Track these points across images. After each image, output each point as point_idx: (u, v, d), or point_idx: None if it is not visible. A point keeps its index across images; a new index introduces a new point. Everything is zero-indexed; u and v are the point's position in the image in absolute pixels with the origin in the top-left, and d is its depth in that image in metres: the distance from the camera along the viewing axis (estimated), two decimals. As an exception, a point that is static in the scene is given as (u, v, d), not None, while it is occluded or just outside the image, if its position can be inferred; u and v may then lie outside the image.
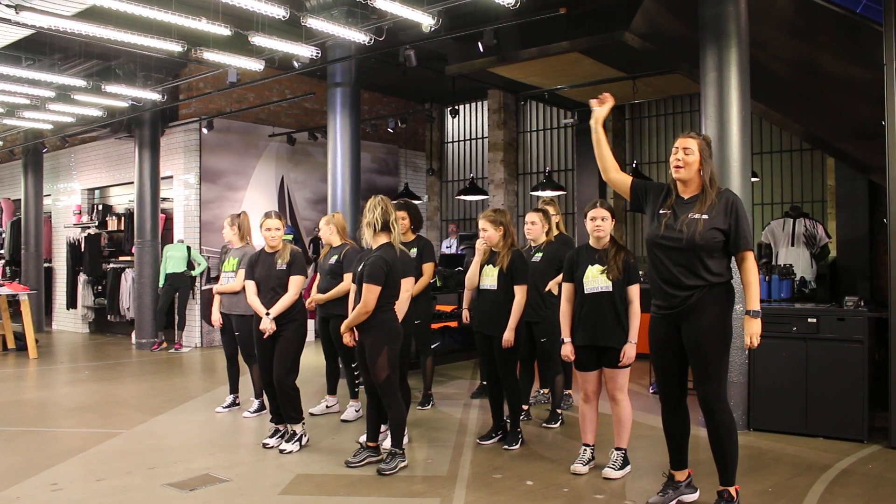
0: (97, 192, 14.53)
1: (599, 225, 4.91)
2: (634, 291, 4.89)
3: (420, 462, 5.28)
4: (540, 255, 6.24)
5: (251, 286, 5.81)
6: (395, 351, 5.07)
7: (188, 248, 11.56)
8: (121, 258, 13.22)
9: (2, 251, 15.83)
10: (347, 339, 5.16)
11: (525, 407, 6.42)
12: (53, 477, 4.96)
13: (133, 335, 12.16)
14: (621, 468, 4.90)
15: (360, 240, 5.43)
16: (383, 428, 5.31)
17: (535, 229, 6.29)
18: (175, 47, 7.70)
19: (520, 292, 5.48)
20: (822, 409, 5.79)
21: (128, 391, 8.29)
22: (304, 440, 5.65)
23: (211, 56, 8.05)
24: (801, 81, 7.95)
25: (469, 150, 15.60)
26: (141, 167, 11.87)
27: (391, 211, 5.17)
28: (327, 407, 6.92)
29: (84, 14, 7.47)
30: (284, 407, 5.65)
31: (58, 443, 6.05)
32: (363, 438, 5.33)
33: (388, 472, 4.94)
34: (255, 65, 8.47)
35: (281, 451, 5.52)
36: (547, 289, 6.12)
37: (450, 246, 13.83)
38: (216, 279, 7.46)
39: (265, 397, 6.60)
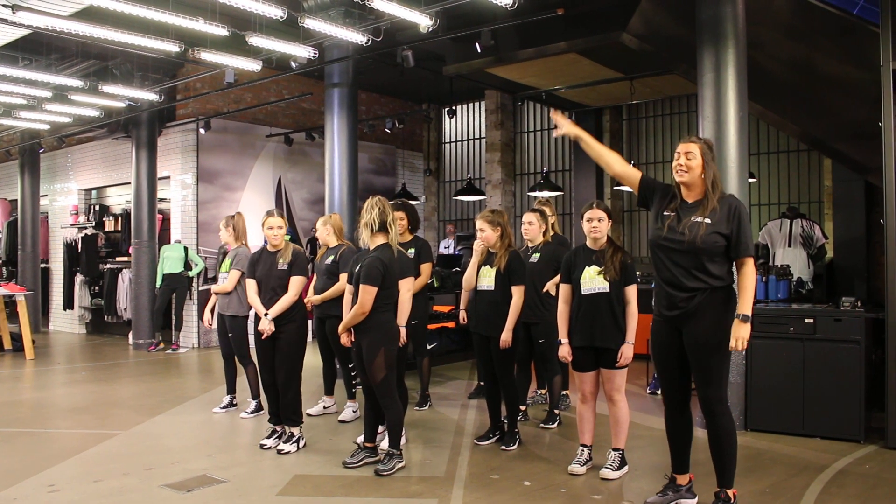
0: (94, 192, 14.51)
1: (596, 226, 4.92)
2: (632, 292, 4.89)
3: (418, 463, 5.28)
4: (537, 255, 6.25)
5: (252, 285, 5.80)
6: (392, 352, 5.07)
7: (185, 249, 11.56)
8: (118, 259, 13.20)
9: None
10: (344, 340, 5.16)
11: (523, 407, 6.43)
12: (50, 478, 4.95)
13: (130, 336, 12.15)
14: (619, 469, 4.90)
15: (358, 240, 5.43)
16: (381, 429, 5.31)
17: (533, 230, 6.29)
18: (172, 47, 7.69)
19: (517, 293, 5.49)
20: (818, 410, 5.80)
21: (125, 392, 8.28)
22: (302, 442, 5.65)
23: (208, 56, 8.04)
24: (798, 82, 7.96)
25: (466, 151, 15.60)
26: (138, 167, 11.86)
27: (389, 211, 5.17)
28: (325, 408, 6.91)
29: (81, 14, 7.47)
30: (286, 409, 5.65)
31: (55, 444, 6.04)
32: (361, 439, 5.33)
33: (385, 473, 4.94)
34: (253, 65, 8.47)
35: (279, 452, 5.52)
36: (545, 289, 6.13)
37: (447, 246, 13.84)
38: (214, 279, 7.46)
39: (262, 398, 6.61)
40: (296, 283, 5.68)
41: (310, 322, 9.65)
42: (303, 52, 8.08)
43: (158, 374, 9.42)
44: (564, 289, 5.04)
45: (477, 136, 15.35)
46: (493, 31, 7.85)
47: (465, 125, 15.59)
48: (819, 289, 8.76)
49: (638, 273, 5.68)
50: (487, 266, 5.61)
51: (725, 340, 4.01)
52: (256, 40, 7.57)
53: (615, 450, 4.97)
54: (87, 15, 7.50)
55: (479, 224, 5.60)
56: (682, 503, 4.31)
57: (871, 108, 6.06)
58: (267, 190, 12.79)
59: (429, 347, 8.00)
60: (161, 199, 12.34)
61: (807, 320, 5.89)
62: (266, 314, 5.60)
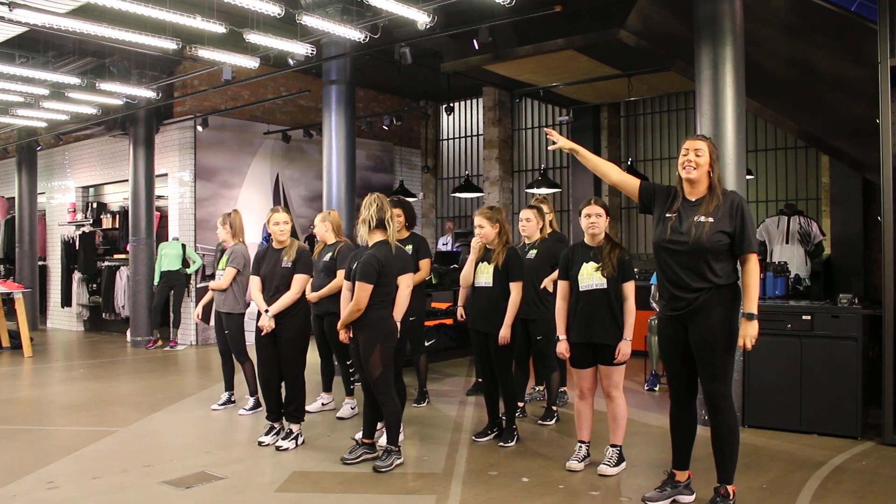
0: (92, 189, 14.49)
1: (594, 222, 4.93)
2: (629, 289, 4.90)
3: (416, 459, 5.29)
4: (534, 251, 6.26)
5: (255, 282, 5.80)
6: (389, 348, 5.07)
7: (183, 246, 11.55)
8: (115, 256, 13.19)
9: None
10: (342, 337, 5.17)
11: (521, 404, 6.44)
12: (49, 475, 4.95)
13: (128, 333, 12.15)
14: (616, 465, 4.91)
15: (357, 237, 5.44)
16: (379, 425, 5.32)
17: (531, 226, 6.30)
18: (170, 45, 7.68)
19: (515, 289, 5.50)
20: (816, 406, 5.82)
21: (123, 389, 8.28)
22: (301, 438, 5.66)
23: (206, 53, 8.03)
24: (795, 79, 7.97)
25: (464, 148, 15.59)
26: (135, 165, 11.84)
27: (387, 208, 5.17)
28: (323, 404, 6.92)
29: (78, 11, 7.45)
30: (290, 405, 5.66)
31: (53, 441, 6.04)
32: (359, 435, 5.34)
33: (384, 469, 4.95)
34: (250, 62, 8.46)
35: (277, 449, 5.53)
36: (542, 285, 6.14)
37: (446, 243, 13.84)
38: (211, 277, 7.47)
39: (260, 394, 6.62)
40: (299, 280, 5.68)
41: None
42: (300, 49, 8.08)
43: (156, 372, 9.42)
44: (562, 285, 5.05)
45: (475, 132, 15.34)
46: (491, 28, 7.84)
47: (463, 122, 15.58)
48: (816, 286, 8.77)
49: (636, 270, 5.69)
50: (485, 263, 5.62)
51: (731, 337, 4.03)
52: (254, 37, 7.55)
53: (613, 446, 4.98)
54: (85, 12, 7.49)
55: (478, 220, 5.61)
56: (679, 500, 4.33)
57: (869, 105, 6.07)
58: (265, 187, 12.78)
59: (427, 344, 8.02)
60: (159, 197, 12.33)
61: (804, 317, 5.91)
62: (267, 311, 5.60)
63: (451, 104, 13.08)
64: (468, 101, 15.30)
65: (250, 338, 6.26)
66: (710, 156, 4.13)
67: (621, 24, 8.15)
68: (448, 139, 15.83)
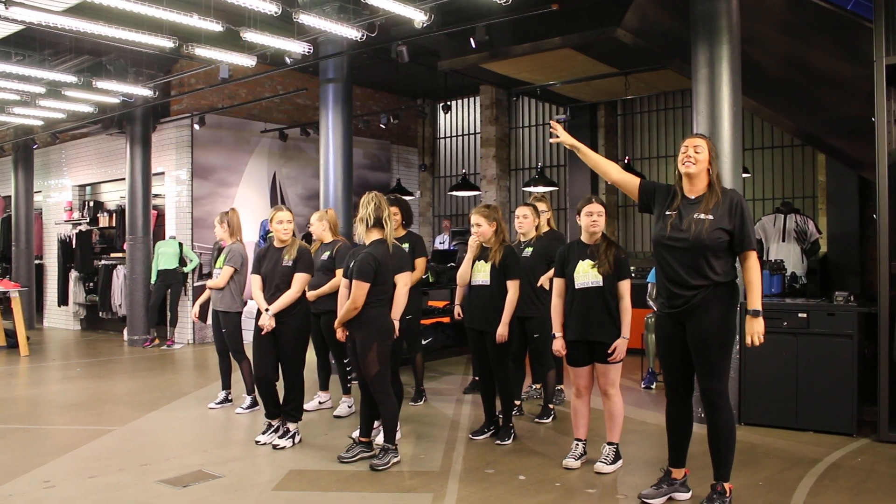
0: (88, 188, 14.47)
1: (596, 220, 4.94)
2: (625, 287, 4.91)
3: (413, 457, 5.30)
4: (530, 249, 6.26)
5: (256, 280, 5.80)
6: (386, 347, 5.08)
7: (180, 245, 11.54)
8: (112, 255, 13.17)
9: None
10: (339, 335, 5.18)
11: (517, 402, 6.44)
12: (46, 474, 4.95)
13: (125, 332, 12.13)
14: (613, 463, 4.92)
15: (354, 235, 5.44)
16: (376, 424, 5.32)
17: (528, 223, 6.32)
18: (166, 43, 7.67)
19: (512, 287, 5.50)
20: (812, 404, 5.83)
21: (120, 388, 8.28)
22: (298, 437, 5.66)
23: (202, 52, 8.02)
24: (792, 78, 7.98)
25: (461, 146, 15.60)
26: (132, 163, 11.83)
27: (384, 207, 5.17)
28: (320, 403, 6.93)
29: (74, 9, 7.44)
30: (288, 403, 5.67)
31: (50, 440, 6.04)
32: (356, 434, 5.34)
33: (380, 468, 4.95)
34: (247, 61, 8.45)
35: (274, 447, 5.53)
36: (539, 283, 6.14)
37: (443, 242, 13.85)
38: (208, 275, 7.46)
39: (257, 393, 6.62)
40: (299, 279, 5.69)
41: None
42: (297, 47, 8.07)
43: (153, 371, 9.42)
44: (558, 283, 5.06)
45: (472, 131, 15.35)
46: (488, 27, 7.84)
47: (460, 120, 15.58)
48: (813, 283, 8.77)
49: (633, 268, 5.70)
50: (482, 261, 5.63)
51: (728, 334, 4.04)
52: (251, 36, 7.55)
53: (610, 444, 4.98)
54: (81, 10, 7.48)
55: (475, 219, 5.61)
56: (676, 497, 4.34)
57: (865, 104, 6.08)
58: (262, 186, 12.78)
59: (424, 343, 8.03)
60: (155, 195, 12.32)
61: (800, 315, 5.92)
62: (267, 309, 5.61)
63: (449, 102, 13.07)
64: (465, 100, 15.30)
65: (248, 336, 6.26)
66: (709, 154, 4.15)
67: (618, 22, 8.15)
68: (445, 137, 15.83)
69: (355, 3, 7.95)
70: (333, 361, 6.97)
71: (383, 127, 13.07)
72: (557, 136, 4.42)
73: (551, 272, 5.56)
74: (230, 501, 4.44)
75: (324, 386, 6.99)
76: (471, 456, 5.32)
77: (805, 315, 5.90)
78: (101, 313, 13.15)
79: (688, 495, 4.35)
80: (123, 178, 12.18)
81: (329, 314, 6.14)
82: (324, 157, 9.28)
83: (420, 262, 6.66)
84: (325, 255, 6.56)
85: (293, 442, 5.60)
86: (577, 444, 5.09)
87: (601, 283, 4.87)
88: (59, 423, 6.64)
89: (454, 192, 13.98)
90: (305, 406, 6.71)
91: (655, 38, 8.53)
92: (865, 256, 9.62)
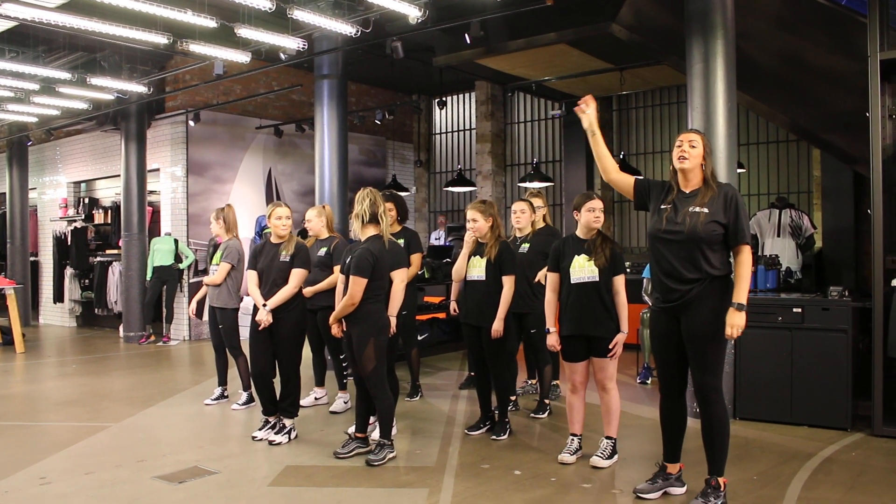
0: (83, 185, 14.44)
1: (598, 217, 4.96)
2: (620, 282, 4.93)
3: (408, 452, 5.31)
4: (527, 245, 6.27)
5: (253, 276, 5.80)
6: (382, 342, 5.09)
7: (175, 241, 11.53)
8: (108, 251, 13.15)
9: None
10: (335, 331, 5.18)
11: (513, 397, 6.46)
12: (42, 471, 4.95)
13: (121, 329, 12.12)
14: (609, 458, 4.94)
15: (350, 232, 5.44)
16: (372, 419, 5.33)
17: (524, 218, 6.33)
18: (161, 39, 7.65)
19: (508, 283, 5.51)
20: (806, 398, 5.85)
21: (116, 385, 8.27)
22: (294, 433, 5.67)
23: (197, 48, 8.00)
24: (787, 73, 7.99)
25: (457, 142, 15.59)
26: (127, 160, 11.80)
27: (380, 203, 5.18)
28: (316, 399, 6.93)
29: (68, 6, 7.41)
30: (285, 399, 5.67)
31: (46, 437, 6.04)
32: (352, 429, 5.36)
33: (376, 463, 4.96)
34: (242, 57, 8.43)
35: (270, 443, 5.54)
36: (536, 279, 6.15)
37: (438, 237, 13.84)
38: (204, 272, 7.46)
39: (253, 389, 6.62)
40: (297, 275, 5.70)
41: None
42: (292, 43, 8.06)
43: (149, 367, 9.41)
44: (553, 277, 5.06)
45: (467, 126, 15.34)
46: (483, 22, 7.83)
47: (456, 116, 15.57)
48: (808, 278, 8.81)
49: (628, 263, 5.71)
50: (478, 256, 5.63)
51: (723, 329, 4.05)
52: (245, 32, 7.53)
53: (608, 438, 5.00)
54: (74, 7, 7.45)
55: (471, 214, 5.62)
56: (670, 491, 4.35)
57: (859, 99, 6.09)
58: (257, 182, 12.76)
59: (420, 338, 8.03)
60: (151, 192, 12.30)
61: (795, 310, 5.93)
62: (264, 305, 5.61)
63: (444, 98, 13.08)
64: (460, 96, 15.29)
65: (244, 333, 6.27)
66: (704, 148, 4.16)
67: (613, 17, 8.16)
68: (441, 133, 15.82)
69: (350, -2, 7.94)
70: (329, 357, 6.98)
71: (378, 123, 13.06)
72: (585, 111, 4.31)
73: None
74: (226, 497, 4.45)
75: (319, 382, 7.00)
76: (466, 451, 5.33)
77: (799, 310, 5.92)
78: (96, 310, 13.13)
79: (683, 490, 4.37)
80: (118, 175, 12.15)
81: (325, 310, 6.14)
82: (319, 153, 9.28)
83: (416, 258, 6.66)
84: (322, 252, 6.56)
85: (289, 438, 5.61)
86: (573, 440, 5.10)
87: (597, 278, 4.87)
88: (55, 420, 6.64)
89: (450, 188, 13.98)
90: (301, 402, 6.71)
91: (650, 34, 8.53)
92: (860, 251, 9.63)
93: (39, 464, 5.12)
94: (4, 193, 14.89)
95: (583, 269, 4.90)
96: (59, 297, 14.05)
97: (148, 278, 11.46)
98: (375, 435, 5.19)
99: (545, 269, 5.95)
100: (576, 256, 4.94)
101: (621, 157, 12.10)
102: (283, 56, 8.62)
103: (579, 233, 5.03)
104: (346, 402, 6.68)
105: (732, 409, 6.09)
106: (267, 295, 5.66)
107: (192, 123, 11.64)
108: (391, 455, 5.08)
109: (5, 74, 9.73)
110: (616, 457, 4.99)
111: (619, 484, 4.60)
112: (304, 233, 7.31)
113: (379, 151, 14.88)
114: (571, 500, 4.38)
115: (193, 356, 10.42)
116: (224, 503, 4.37)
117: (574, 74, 10.63)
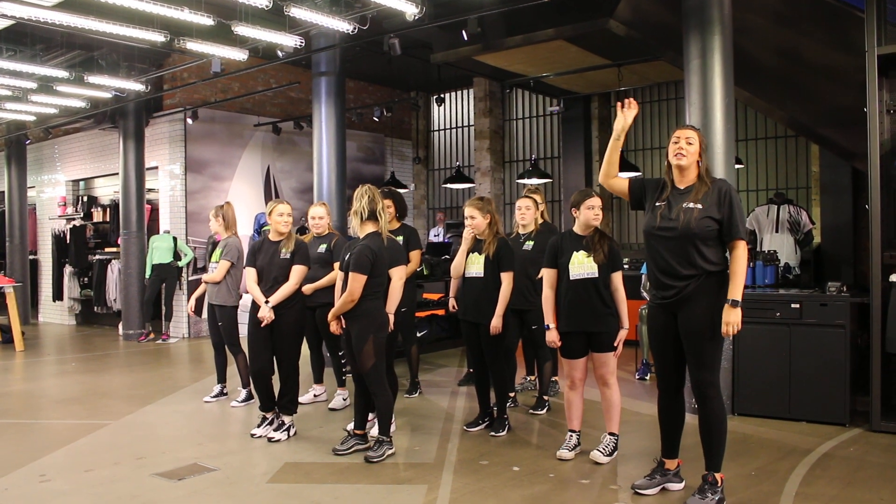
0: (82, 183, 14.43)
1: (598, 214, 4.96)
2: (618, 278, 4.94)
3: (407, 449, 5.31)
4: (531, 243, 6.26)
5: (252, 273, 5.81)
6: (382, 339, 5.10)
7: (174, 239, 11.53)
8: (107, 249, 13.15)
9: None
10: (334, 328, 5.18)
11: (512, 394, 6.46)
12: (41, 468, 4.96)
13: (120, 326, 12.13)
14: (610, 454, 4.94)
15: (348, 228, 5.45)
16: (371, 416, 5.34)
17: (529, 215, 6.33)
18: (158, 37, 7.65)
19: (506, 279, 5.51)
20: (804, 394, 5.85)
21: (115, 382, 8.28)
22: (293, 430, 5.68)
23: (194, 46, 7.99)
24: (784, 68, 7.99)
25: (455, 139, 15.59)
26: (126, 158, 11.80)
27: (378, 200, 5.18)
28: (315, 396, 6.94)
29: (65, 4, 7.39)
30: (284, 396, 5.68)
31: (45, 434, 6.05)
32: (351, 426, 5.36)
33: (375, 460, 4.97)
34: (239, 54, 8.43)
35: (269, 440, 5.55)
36: (539, 276, 6.15)
37: (437, 234, 13.84)
38: (203, 269, 7.46)
39: (252, 386, 6.63)
40: (297, 271, 5.71)
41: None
42: (289, 40, 8.05)
43: (148, 365, 9.42)
44: (550, 274, 5.06)
45: (465, 123, 15.34)
46: (480, 19, 7.83)
47: (454, 113, 15.57)
48: (806, 274, 8.82)
49: (626, 260, 5.71)
50: (476, 253, 5.64)
51: (720, 325, 4.06)
52: (242, 29, 7.53)
53: (611, 434, 5.00)
54: (72, 5, 7.44)
55: (469, 211, 5.62)
56: (669, 487, 4.36)
57: (857, 94, 6.09)
58: (256, 179, 12.76)
59: (419, 335, 8.04)
60: (149, 190, 12.29)
61: (793, 305, 5.94)
62: (266, 302, 5.61)
63: (442, 95, 13.06)
64: (459, 92, 15.28)
65: (243, 330, 6.27)
66: (700, 145, 4.16)
67: (611, 13, 8.15)
68: (439, 130, 15.82)
69: (347, -5, 7.93)
70: (328, 354, 6.98)
71: (377, 120, 13.06)
72: (625, 112, 4.22)
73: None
74: (225, 494, 4.46)
75: (318, 379, 7.01)
76: (465, 447, 5.34)
77: (798, 306, 5.92)
78: (95, 308, 13.13)
79: (681, 485, 4.38)
80: (117, 173, 12.16)
81: (324, 307, 6.13)
82: (317, 151, 9.28)
83: (415, 255, 6.66)
84: (322, 248, 6.56)
85: (288, 435, 5.62)
86: (571, 436, 5.11)
87: (596, 274, 4.88)
88: (55, 418, 6.64)
89: (448, 185, 13.98)
90: (300, 399, 6.72)
91: (648, 30, 8.52)
92: (859, 247, 9.63)
93: (39, 461, 5.12)
94: (3, 192, 14.88)
95: (582, 265, 4.91)
96: (58, 295, 14.05)
97: (147, 276, 11.47)
98: (374, 431, 5.20)
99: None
100: (574, 253, 4.94)
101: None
102: (280, 53, 8.61)
103: (577, 229, 5.04)
104: (344, 399, 6.68)
105: (731, 404, 6.09)
106: (268, 292, 5.67)
107: (190, 121, 11.64)
108: (390, 451, 5.09)
109: (3, 73, 9.71)
110: (615, 453, 5.00)
111: (618, 480, 4.60)
112: (303, 229, 7.32)
113: (377, 148, 14.87)
114: (570, 496, 4.38)
115: (192, 354, 10.43)
116: (223, 500, 4.38)
117: (572, 71, 10.64)
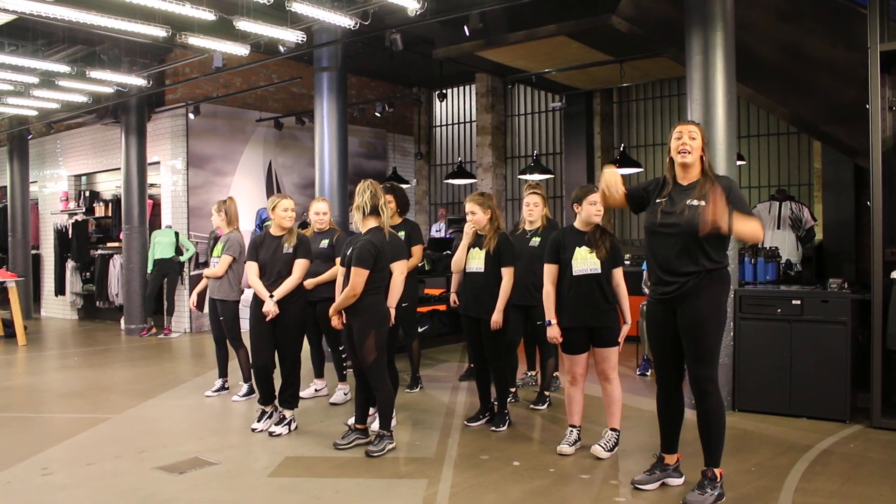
0: (84, 178, 14.44)
1: (600, 210, 4.95)
2: (619, 274, 4.95)
3: (408, 444, 5.32)
4: (538, 239, 6.25)
5: (253, 268, 5.82)
6: (383, 334, 5.10)
7: (176, 234, 11.54)
8: (109, 244, 13.17)
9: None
10: (335, 322, 5.19)
11: (513, 389, 6.47)
12: (43, 462, 4.98)
13: (122, 321, 12.15)
14: (611, 450, 4.95)
15: (350, 224, 5.46)
16: (371, 410, 5.35)
17: (538, 211, 6.34)
18: (160, 32, 7.65)
19: (507, 274, 5.51)
20: (805, 390, 5.86)
21: (117, 377, 8.29)
22: (294, 424, 5.69)
23: (196, 41, 7.99)
24: (787, 64, 7.97)
25: (457, 134, 15.58)
26: (128, 153, 11.81)
27: (380, 195, 5.19)
28: (316, 390, 6.95)
29: (67, -1, 7.41)
30: (286, 391, 5.69)
31: (47, 428, 6.06)
32: (351, 421, 5.37)
33: (376, 454, 4.98)
34: (241, 50, 8.43)
35: (270, 434, 5.56)
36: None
37: (439, 230, 13.84)
38: (205, 264, 7.47)
39: (253, 381, 6.64)
40: (300, 265, 5.73)
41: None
42: (291, 36, 8.05)
43: (150, 359, 9.43)
44: (551, 269, 5.06)
45: (468, 119, 15.33)
46: (482, 14, 7.82)
47: (456, 108, 15.56)
48: (808, 271, 8.82)
49: (628, 256, 5.70)
50: (477, 248, 5.64)
51: (719, 321, 4.06)
52: (244, 25, 7.53)
53: (613, 430, 5.01)
54: (74, 0, 7.44)
55: (470, 207, 5.63)
56: (668, 482, 4.37)
57: (860, 91, 6.08)
58: (257, 175, 12.76)
59: (420, 330, 8.04)
60: (151, 185, 12.31)
61: (794, 302, 5.94)
62: (271, 296, 5.62)
63: (444, 91, 13.05)
64: (461, 88, 15.27)
65: (245, 325, 6.28)
66: (703, 140, 4.15)
67: (613, 9, 8.14)
68: (441, 126, 15.81)
69: (349, -10, 7.93)
70: (329, 349, 6.99)
71: (378, 115, 13.05)
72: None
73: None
74: (226, 488, 4.47)
75: (319, 373, 7.02)
76: (466, 442, 5.35)
77: (799, 302, 5.92)
78: (97, 303, 13.15)
79: (680, 480, 4.38)
80: (119, 168, 12.17)
81: (325, 302, 6.15)
82: (319, 146, 9.28)
83: (416, 250, 6.67)
84: (325, 243, 6.57)
85: (289, 429, 5.63)
86: (572, 431, 5.12)
87: (599, 270, 4.89)
88: (57, 412, 6.66)
89: (450, 181, 13.97)
90: (301, 394, 6.73)
91: (650, 26, 8.51)
92: (861, 244, 9.62)
93: (41, 455, 5.14)
94: (5, 187, 14.89)
95: (585, 260, 4.91)
96: (60, 289, 14.06)
97: (149, 271, 11.49)
98: (375, 426, 5.21)
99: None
100: (577, 248, 4.94)
101: (621, 149, 12.09)
102: (282, 49, 8.61)
103: (578, 225, 5.04)
104: (345, 394, 6.70)
105: (731, 400, 6.10)
106: (271, 287, 5.68)
107: (191, 116, 11.64)
108: (391, 446, 5.10)
109: (5, 68, 9.72)
110: (616, 448, 5.00)
111: (618, 475, 4.61)
112: (304, 224, 7.32)
113: (379, 144, 14.87)
114: (570, 490, 4.39)
115: (194, 348, 10.44)
116: (224, 494, 4.39)
117: (574, 66, 10.62)
